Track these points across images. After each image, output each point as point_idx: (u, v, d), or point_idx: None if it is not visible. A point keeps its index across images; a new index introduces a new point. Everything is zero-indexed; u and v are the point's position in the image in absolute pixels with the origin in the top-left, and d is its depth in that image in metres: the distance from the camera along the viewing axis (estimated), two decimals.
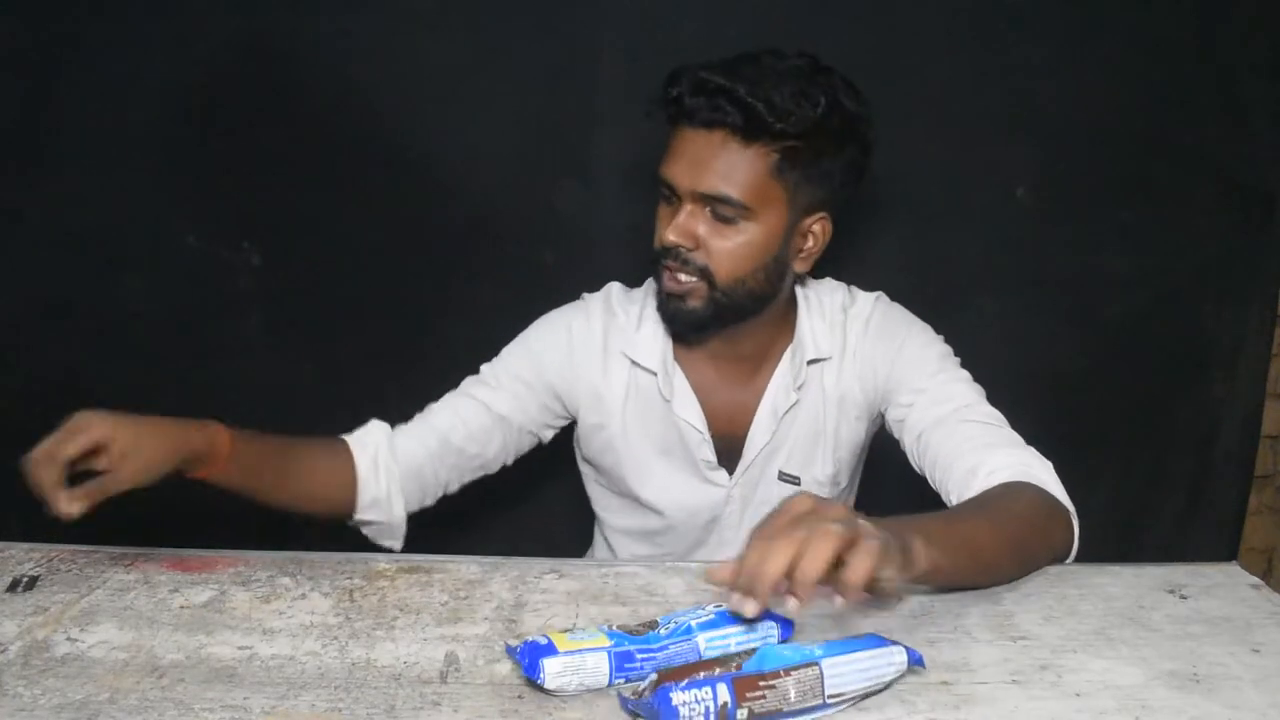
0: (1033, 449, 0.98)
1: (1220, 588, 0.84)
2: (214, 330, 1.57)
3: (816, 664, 0.63)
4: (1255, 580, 0.85)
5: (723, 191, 1.01)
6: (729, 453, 1.17)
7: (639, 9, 1.46)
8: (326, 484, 1.10)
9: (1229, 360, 1.67)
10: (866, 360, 1.14)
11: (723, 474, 1.17)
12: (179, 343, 1.57)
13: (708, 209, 1.03)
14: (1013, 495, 0.90)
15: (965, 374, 1.11)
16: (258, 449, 1.02)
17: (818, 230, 1.09)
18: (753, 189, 1.02)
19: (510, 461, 1.20)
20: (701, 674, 0.62)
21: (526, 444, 1.21)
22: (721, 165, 1.01)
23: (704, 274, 1.05)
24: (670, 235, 1.03)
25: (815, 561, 0.62)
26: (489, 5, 1.45)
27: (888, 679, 0.66)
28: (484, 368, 1.19)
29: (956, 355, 1.14)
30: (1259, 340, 1.68)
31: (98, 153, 1.49)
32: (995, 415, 1.04)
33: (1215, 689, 0.68)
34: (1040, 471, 0.93)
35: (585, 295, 1.22)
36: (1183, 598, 0.82)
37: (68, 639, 0.75)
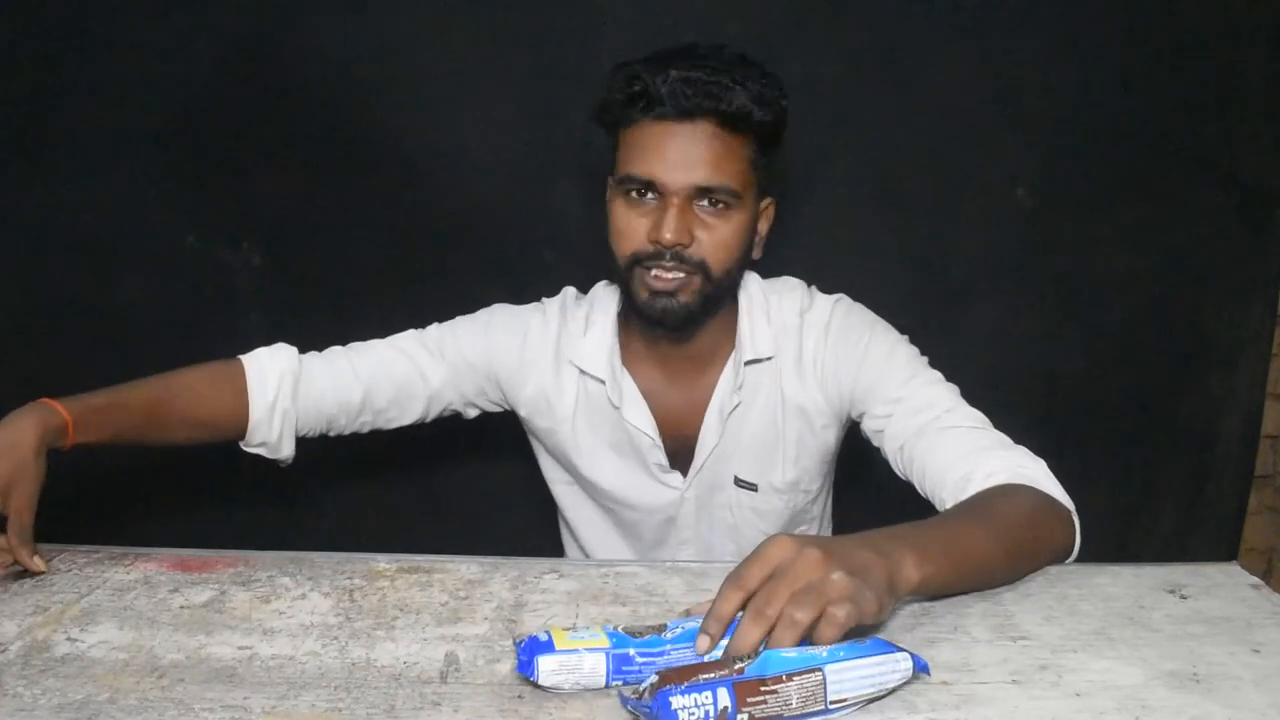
0: (1023, 448, 0.96)
1: (1220, 588, 0.84)
2: (214, 330, 1.57)
3: (820, 669, 0.62)
4: (1255, 580, 0.85)
5: (719, 182, 1.00)
6: (682, 454, 1.16)
7: (639, 9, 1.46)
8: (212, 424, 1.10)
9: (1229, 360, 1.68)
10: (828, 368, 1.11)
11: (676, 476, 1.17)
12: (179, 343, 1.57)
13: (702, 201, 1.02)
14: (1008, 497, 0.88)
15: (937, 374, 1.08)
16: (119, 404, 1.02)
17: (770, 215, 1.11)
18: (740, 177, 1.02)
19: (427, 421, 1.21)
20: (702, 677, 0.61)
21: (445, 415, 1.22)
22: (712, 155, 1.00)
23: (700, 268, 1.03)
24: (669, 234, 1.00)
25: (782, 645, 0.65)
26: (489, 6, 1.45)
27: (892, 685, 0.65)
28: (432, 329, 1.19)
29: (929, 354, 1.12)
30: (1259, 340, 1.68)
31: (98, 153, 1.49)
32: (977, 416, 1.02)
33: (1215, 689, 0.68)
34: (1035, 471, 0.92)
35: (544, 300, 1.22)
36: (1183, 598, 0.82)
37: (68, 639, 0.75)
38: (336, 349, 1.17)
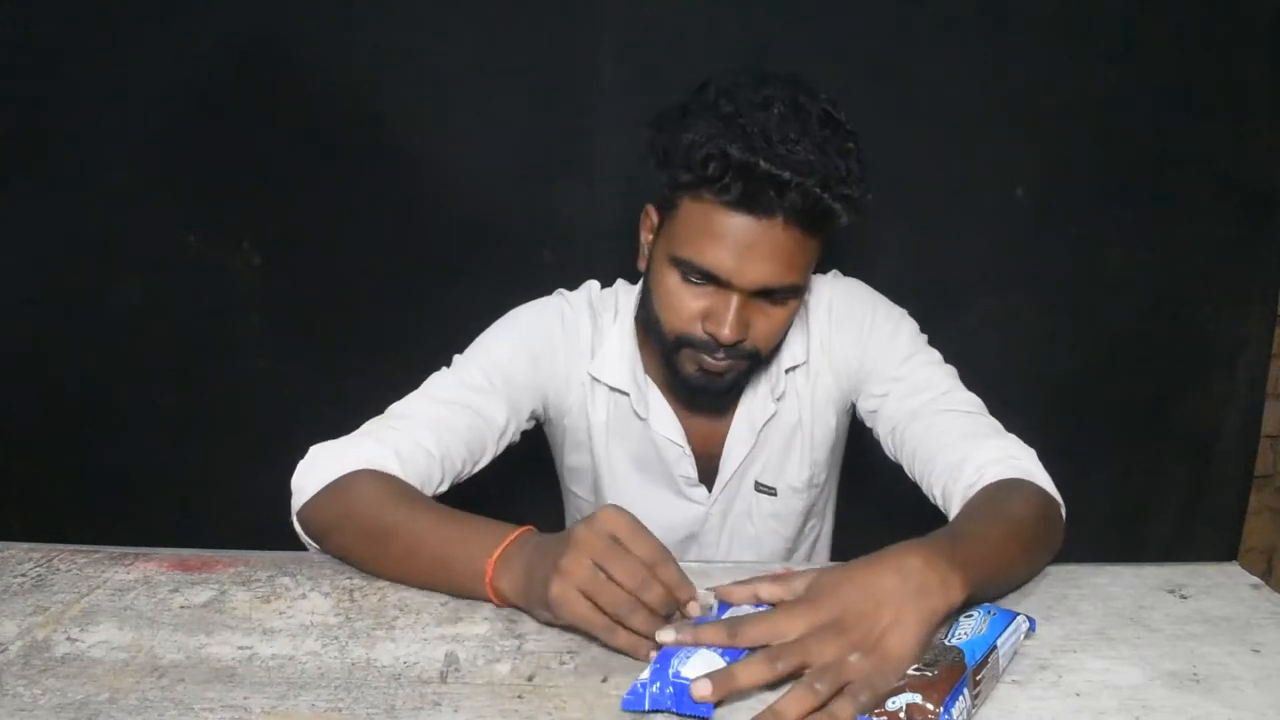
0: (1014, 436, 0.96)
1: (1220, 588, 0.84)
2: (214, 330, 1.57)
3: (997, 648, 0.67)
4: (1255, 580, 0.85)
5: (790, 282, 0.94)
6: (705, 469, 1.13)
7: (639, 9, 1.46)
8: None
9: (1229, 360, 1.68)
10: (838, 350, 1.09)
11: (701, 491, 1.14)
12: (179, 343, 1.57)
13: (764, 297, 0.95)
14: (1016, 497, 0.87)
15: (936, 355, 1.08)
16: None
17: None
18: (807, 270, 0.96)
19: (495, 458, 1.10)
20: (948, 685, 0.62)
21: (502, 450, 1.09)
22: (785, 255, 0.92)
23: (751, 355, 0.99)
24: (728, 333, 0.94)
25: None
26: (489, 6, 1.45)
27: (1017, 647, 0.71)
28: (464, 364, 1.07)
29: (933, 344, 1.12)
30: (1259, 340, 1.68)
31: (98, 153, 1.49)
32: (973, 401, 1.01)
33: (1215, 689, 0.68)
34: (1027, 463, 0.91)
35: (562, 291, 1.15)
36: (1183, 598, 0.82)
37: (68, 639, 0.75)
38: (386, 431, 0.97)
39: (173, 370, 1.58)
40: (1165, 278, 1.61)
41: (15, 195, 1.51)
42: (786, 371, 1.10)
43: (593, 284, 1.16)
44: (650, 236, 1.02)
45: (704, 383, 1.01)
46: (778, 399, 1.10)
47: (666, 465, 1.13)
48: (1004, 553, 0.78)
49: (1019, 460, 0.91)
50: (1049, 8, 1.48)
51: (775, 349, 1.03)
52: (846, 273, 1.20)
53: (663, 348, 1.02)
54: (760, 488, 1.14)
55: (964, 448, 0.93)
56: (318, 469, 0.92)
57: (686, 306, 0.96)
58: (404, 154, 1.50)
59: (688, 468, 1.12)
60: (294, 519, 0.94)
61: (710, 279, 0.94)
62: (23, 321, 1.56)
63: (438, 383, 1.05)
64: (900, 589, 0.66)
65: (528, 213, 1.52)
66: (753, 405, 1.11)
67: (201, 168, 1.51)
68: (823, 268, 1.19)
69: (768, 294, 0.95)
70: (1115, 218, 1.58)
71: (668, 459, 1.12)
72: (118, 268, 1.54)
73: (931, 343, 1.13)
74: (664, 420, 1.11)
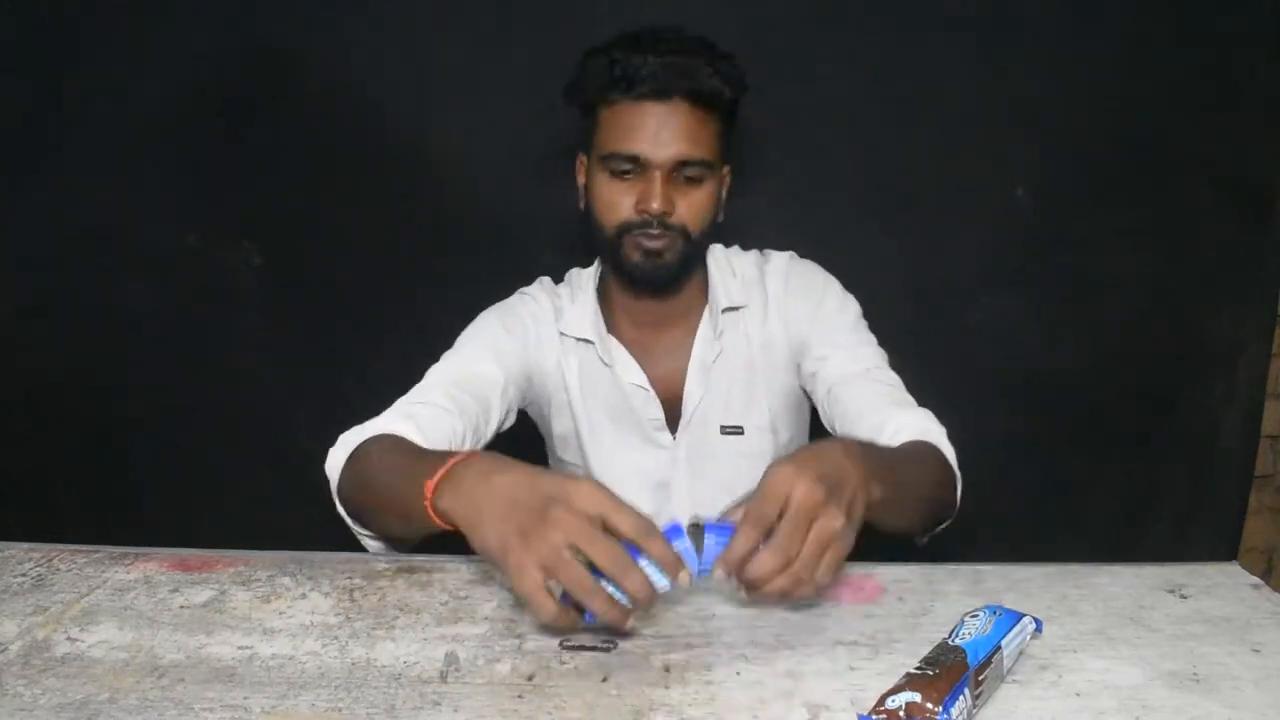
0: (927, 410, 1.05)
1: (1220, 588, 0.84)
2: (214, 330, 1.57)
3: (1000, 648, 0.68)
4: (1255, 580, 0.85)
5: (697, 155, 1.09)
6: (670, 415, 1.22)
7: (639, 10, 1.46)
8: None
9: (1229, 360, 1.68)
10: (790, 312, 1.20)
11: (668, 435, 1.22)
12: (179, 343, 1.57)
13: (680, 173, 1.10)
14: (923, 452, 0.97)
15: (874, 338, 1.19)
16: None
17: (728, 179, 1.18)
18: (712, 149, 1.11)
19: (501, 430, 1.17)
20: (949, 684, 0.63)
21: (504, 425, 1.17)
22: (689, 131, 1.08)
23: (682, 233, 1.11)
24: (656, 204, 1.09)
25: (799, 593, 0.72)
26: (489, 6, 1.45)
27: (1021, 647, 0.72)
28: (462, 348, 1.16)
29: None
30: (1259, 340, 1.69)
31: (98, 153, 1.49)
32: (896, 379, 1.12)
33: (1215, 689, 0.68)
34: (938, 435, 1.01)
35: (521, 290, 1.27)
36: (1183, 598, 0.82)
37: (68, 639, 0.75)
38: (402, 405, 1.05)
39: (173, 370, 1.58)
40: (1165, 278, 1.61)
41: (17, 195, 1.51)
42: (723, 311, 1.20)
43: (544, 279, 1.28)
44: (583, 179, 1.18)
45: (649, 266, 1.12)
46: (719, 337, 1.20)
47: (635, 412, 1.21)
48: (911, 479, 0.89)
49: (931, 431, 1.01)
50: (1050, 8, 1.48)
51: (704, 233, 1.14)
52: (848, 268, 1.21)
53: (609, 249, 1.14)
54: (727, 430, 1.22)
55: (885, 413, 1.03)
56: (340, 451, 0.99)
57: (620, 199, 1.11)
58: (404, 154, 1.50)
59: (654, 410, 1.21)
60: (338, 507, 0.97)
61: (633, 162, 1.09)
62: (23, 321, 1.56)
63: (435, 365, 1.16)
64: (840, 457, 0.76)
65: (528, 213, 1.52)
66: (703, 348, 1.21)
67: (202, 168, 1.51)
68: (816, 258, 1.20)
69: (683, 169, 1.09)
70: (1115, 218, 1.58)
71: (635, 405, 1.21)
72: (119, 267, 1.54)
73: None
74: (628, 367, 1.21)
